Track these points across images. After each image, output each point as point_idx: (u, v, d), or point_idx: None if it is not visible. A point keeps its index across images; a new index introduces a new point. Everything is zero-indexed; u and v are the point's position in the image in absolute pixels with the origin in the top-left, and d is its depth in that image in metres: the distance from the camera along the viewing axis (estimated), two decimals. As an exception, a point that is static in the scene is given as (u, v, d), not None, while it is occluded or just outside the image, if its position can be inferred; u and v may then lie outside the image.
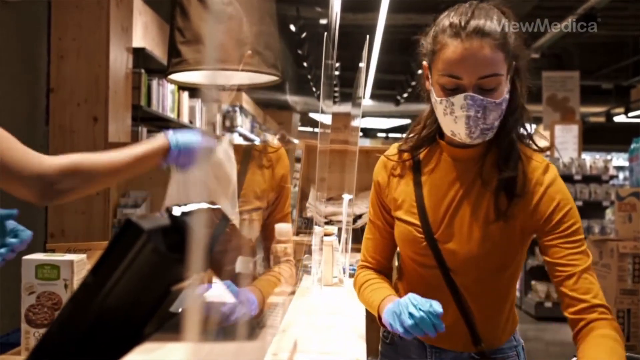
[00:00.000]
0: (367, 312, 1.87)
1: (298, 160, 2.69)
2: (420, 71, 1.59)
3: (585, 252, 1.46)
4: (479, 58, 1.37)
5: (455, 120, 1.42)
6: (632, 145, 5.64)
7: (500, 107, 1.42)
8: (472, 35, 1.37)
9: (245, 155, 1.97)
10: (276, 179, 1.97)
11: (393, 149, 1.67)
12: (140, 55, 4.70)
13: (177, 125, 5.91)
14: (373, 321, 1.76)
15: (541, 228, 1.47)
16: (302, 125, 16.39)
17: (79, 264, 1.48)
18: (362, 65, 2.73)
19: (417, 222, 1.53)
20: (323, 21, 9.27)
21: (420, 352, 1.64)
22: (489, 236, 1.47)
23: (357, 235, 1.85)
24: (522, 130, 1.54)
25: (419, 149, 1.59)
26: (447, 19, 1.44)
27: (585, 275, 1.42)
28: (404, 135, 1.69)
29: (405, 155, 1.61)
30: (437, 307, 1.33)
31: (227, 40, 1.76)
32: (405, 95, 13.47)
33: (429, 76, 1.50)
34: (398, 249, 1.66)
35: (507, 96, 1.45)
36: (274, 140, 2.16)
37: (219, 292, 1.35)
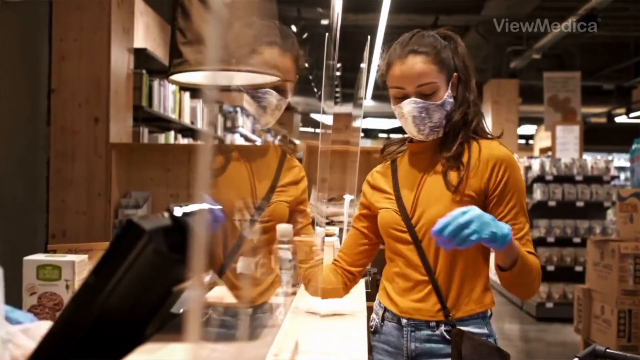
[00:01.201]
0: (368, 312, 1.88)
1: (299, 160, 2.69)
2: None
3: (520, 218, 1.76)
4: (415, 71, 1.76)
5: (406, 122, 1.80)
6: (634, 146, 5.64)
7: (442, 108, 1.78)
8: (408, 54, 1.78)
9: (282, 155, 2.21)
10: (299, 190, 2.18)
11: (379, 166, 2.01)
12: (141, 56, 4.71)
13: (178, 125, 5.91)
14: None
15: (489, 195, 1.77)
16: (304, 125, 16.40)
17: (80, 264, 1.49)
18: (363, 66, 2.73)
19: (395, 206, 1.84)
20: (324, 22, 9.28)
21: (398, 334, 1.82)
22: (448, 207, 1.70)
23: (358, 236, 1.96)
24: (474, 123, 1.83)
25: (392, 152, 1.96)
26: (395, 45, 1.83)
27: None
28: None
29: (384, 161, 1.98)
30: None
31: (228, 41, 1.77)
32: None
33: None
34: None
35: (449, 99, 1.79)
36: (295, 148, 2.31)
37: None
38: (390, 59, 1.82)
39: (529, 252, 1.71)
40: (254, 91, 2.05)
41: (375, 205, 1.90)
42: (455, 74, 1.82)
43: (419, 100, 1.76)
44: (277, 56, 2.08)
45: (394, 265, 1.85)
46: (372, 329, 1.91)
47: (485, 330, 1.79)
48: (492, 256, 1.76)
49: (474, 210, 1.51)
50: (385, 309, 1.86)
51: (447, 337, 1.75)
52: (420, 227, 1.78)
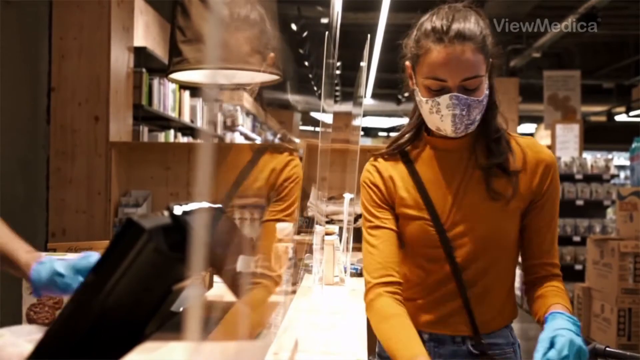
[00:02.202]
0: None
1: (299, 159, 2.69)
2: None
3: (555, 229, 1.67)
4: (462, 61, 1.47)
5: (441, 118, 1.51)
6: (633, 145, 5.63)
7: (482, 103, 1.52)
8: (454, 40, 1.46)
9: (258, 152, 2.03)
10: (280, 180, 2.00)
11: (373, 159, 1.71)
12: (141, 55, 4.70)
13: (178, 124, 5.91)
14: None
15: (535, 200, 1.61)
16: (304, 124, 16.38)
17: (80, 263, 1.48)
18: (363, 64, 2.73)
19: (427, 215, 1.58)
20: (324, 20, 9.27)
21: None
22: (498, 222, 1.56)
23: (359, 235, 1.82)
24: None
25: (405, 145, 1.67)
26: (429, 23, 1.52)
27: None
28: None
29: (393, 156, 1.68)
30: None
31: (228, 40, 1.76)
32: (406, 94, 13.46)
33: (413, 76, 1.59)
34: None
35: (487, 92, 1.54)
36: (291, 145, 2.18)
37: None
38: (426, 42, 1.51)
39: (557, 276, 1.65)
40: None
41: (400, 209, 1.62)
42: (491, 61, 1.56)
43: (462, 96, 1.48)
44: (242, 30, 1.83)
45: (416, 276, 1.64)
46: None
47: (510, 339, 1.69)
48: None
49: (568, 342, 1.32)
50: None
51: (474, 352, 1.63)
52: (460, 245, 1.57)
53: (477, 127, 1.57)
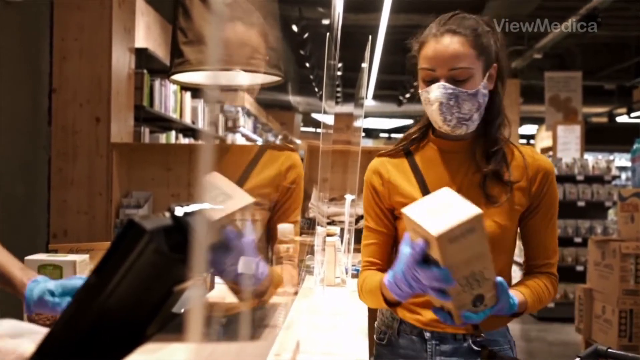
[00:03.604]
0: (370, 312, 1.87)
1: (300, 160, 2.69)
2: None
3: (554, 238, 1.71)
4: (450, 51, 1.57)
5: (431, 108, 1.60)
6: (635, 146, 5.63)
7: (475, 98, 1.58)
8: (445, 33, 1.58)
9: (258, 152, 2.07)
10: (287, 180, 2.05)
11: (378, 156, 1.80)
12: (142, 56, 4.71)
13: (179, 125, 5.91)
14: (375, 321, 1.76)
15: (531, 206, 1.67)
16: (305, 125, 16.40)
17: (81, 264, 1.49)
18: (364, 65, 2.72)
19: None
20: (325, 22, 9.27)
21: (420, 347, 1.72)
22: (488, 218, 1.58)
23: (360, 236, 1.85)
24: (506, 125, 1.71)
25: (411, 144, 1.75)
26: (430, 25, 1.65)
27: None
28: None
29: (398, 154, 1.76)
30: None
31: (230, 41, 1.76)
32: (407, 95, 13.46)
33: (417, 73, 1.68)
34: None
35: (483, 90, 1.60)
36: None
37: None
38: (424, 38, 1.64)
39: (549, 273, 1.69)
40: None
41: (400, 208, 1.63)
42: (495, 64, 1.64)
43: (448, 85, 1.57)
44: (244, 31, 1.85)
45: None
46: (384, 342, 1.82)
47: (508, 338, 1.75)
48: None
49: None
50: (402, 322, 1.75)
51: (475, 348, 1.68)
52: None
53: (478, 132, 1.65)
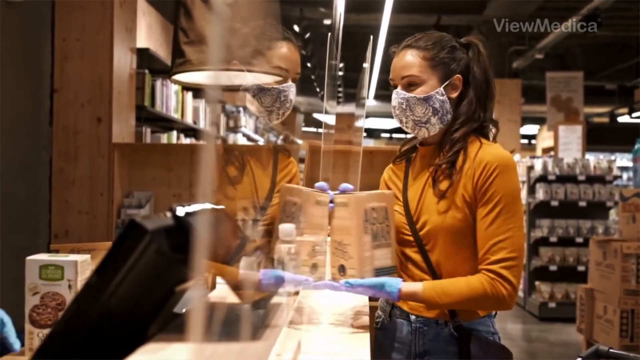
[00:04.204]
0: (371, 312, 1.88)
1: (302, 160, 2.69)
2: None
3: (501, 225, 1.73)
4: (402, 63, 1.81)
5: (394, 112, 1.83)
6: (636, 146, 5.63)
7: (426, 103, 1.78)
8: (403, 49, 1.83)
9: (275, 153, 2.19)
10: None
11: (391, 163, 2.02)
12: (144, 56, 4.71)
13: (181, 125, 5.91)
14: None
15: (476, 196, 1.76)
16: (306, 125, 16.41)
17: (83, 264, 1.49)
18: (365, 65, 2.72)
19: (402, 210, 1.86)
20: (327, 22, 9.28)
21: (407, 329, 1.86)
22: (440, 210, 1.77)
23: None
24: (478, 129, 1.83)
25: (409, 152, 1.96)
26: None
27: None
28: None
29: (401, 159, 1.98)
30: None
31: (231, 41, 1.77)
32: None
33: None
34: None
35: (438, 96, 1.78)
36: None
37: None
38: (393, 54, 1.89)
39: (485, 270, 1.70)
40: (275, 87, 2.03)
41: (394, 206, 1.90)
42: (457, 76, 1.81)
43: (400, 91, 1.80)
44: (294, 51, 2.09)
45: (402, 265, 1.87)
46: (378, 326, 1.95)
47: (490, 329, 1.83)
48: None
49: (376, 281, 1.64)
50: (393, 306, 1.89)
51: (455, 334, 1.79)
52: (425, 234, 1.80)
53: (442, 135, 1.82)
